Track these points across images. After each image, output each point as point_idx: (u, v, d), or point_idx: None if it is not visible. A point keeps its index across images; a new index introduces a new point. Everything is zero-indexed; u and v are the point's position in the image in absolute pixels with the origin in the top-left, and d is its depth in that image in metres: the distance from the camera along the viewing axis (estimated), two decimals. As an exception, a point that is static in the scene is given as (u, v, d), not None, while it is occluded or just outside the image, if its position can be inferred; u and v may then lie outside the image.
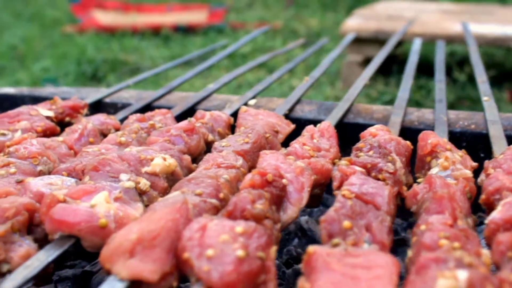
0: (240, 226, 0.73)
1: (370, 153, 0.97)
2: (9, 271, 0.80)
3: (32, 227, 0.86)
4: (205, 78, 3.96)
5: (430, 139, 1.04)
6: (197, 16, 5.66)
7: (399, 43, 4.00)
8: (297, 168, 0.92)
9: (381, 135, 1.05)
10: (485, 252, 0.75)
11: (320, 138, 1.10)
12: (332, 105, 1.40)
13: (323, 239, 0.78)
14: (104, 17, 5.58)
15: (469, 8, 4.21)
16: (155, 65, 4.13)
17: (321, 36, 4.97)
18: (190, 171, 1.04)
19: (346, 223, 0.78)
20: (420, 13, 3.82)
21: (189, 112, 1.37)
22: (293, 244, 1.22)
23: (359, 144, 1.01)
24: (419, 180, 1.00)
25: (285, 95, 3.50)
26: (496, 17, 3.72)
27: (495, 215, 0.81)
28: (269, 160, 0.93)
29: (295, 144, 1.03)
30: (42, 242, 0.87)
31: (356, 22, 3.65)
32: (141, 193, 0.91)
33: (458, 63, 3.70)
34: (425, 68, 3.64)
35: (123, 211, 0.83)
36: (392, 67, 3.73)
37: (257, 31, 2.22)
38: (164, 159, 0.97)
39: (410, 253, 0.77)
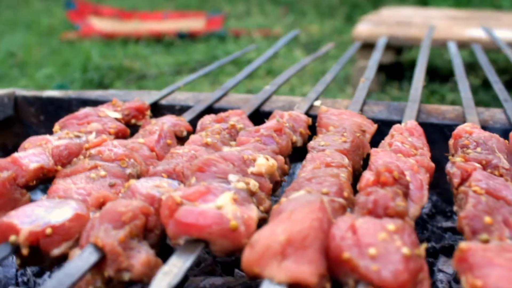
0: (391, 224, 0.70)
1: (478, 150, 0.95)
2: (131, 280, 0.75)
3: (145, 232, 0.82)
4: (212, 84, 3.93)
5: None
6: (194, 24, 5.62)
7: (401, 50, 4.02)
8: (414, 166, 0.89)
9: (478, 133, 1.03)
10: None
11: (411, 137, 1.07)
12: (398, 105, 1.38)
13: (467, 235, 0.75)
14: (101, 24, 5.52)
15: (475, 14, 4.24)
16: (161, 72, 4.09)
17: (321, 43, 4.97)
18: (284, 171, 1.01)
19: (487, 219, 0.75)
20: (428, 19, 3.83)
21: (256, 113, 1.34)
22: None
23: (463, 142, 0.98)
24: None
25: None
26: (504, 22, 3.75)
27: None
28: (384, 158, 0.90)
29: (396, 143, 1.00)
30: (155, 247, 0.82)
31: (367, 28, 3.65)
32: (251, 194, 0.87)
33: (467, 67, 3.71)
34: (432, 73, 3.66)
35: (246, 213, 0.79)
36: (404, 73, 3.74)
37: (285, 37, 2.19)
38: (267, 159, 0.94)
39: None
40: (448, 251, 1.16)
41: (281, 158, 1.00)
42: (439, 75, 3.74)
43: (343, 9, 6.05)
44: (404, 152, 0.96)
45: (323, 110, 1.17)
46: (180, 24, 5.58)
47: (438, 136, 1.26)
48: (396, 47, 3.68)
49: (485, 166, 0.91)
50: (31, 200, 0.96)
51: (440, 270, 1.08)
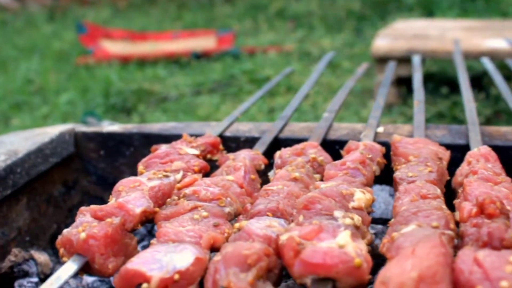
0: (513, 257, 0.74)
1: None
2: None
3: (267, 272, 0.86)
4: (233, 103, 3.99)
5: None
6: (205, 42, 5.69)
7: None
8: (509, 194, 0.94)
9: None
10: None
11: (488, 163, 1.12)
12: (459, 129, 1.43)
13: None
14: (114, 47, 5.58)
15: (487, 24, 4.31)
16: (181, 94, 4.14)
17: (334, 57, 5.04)
18: (372, 202, 1.05)
19: None
20: (445, 31, 3.90)
21: (323, 143, 1.39)
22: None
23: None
24: None
25: (311, 112, 3.57)
26: (519, 31, 3.82)
27: None
28: (480, 188, 0.95)
29: (481, 170, 1.04)
30: (276, 286, 0.87)
31: (386, 42, 3.71)
32: (356, 229, 0.92)
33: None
34: (450, 84, 3.72)
35: (362, 249, 0.84)
36: (426, 85, 3.79)
37: (324, 59, 2.24)
38: (363, 193, 0.98)
39: None
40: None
41: (371, 190, 1.05)
42: (457, 85, 3.79)
43: (350, 22, 6.12)
44: (492, 180, 1.01)
45: (397, 140, 1.22)
46: (190, 43, 5.65)
47: (504, 158, 1.31)
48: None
49: None
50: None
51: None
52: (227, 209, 1.03)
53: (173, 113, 3.68)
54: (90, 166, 1.68)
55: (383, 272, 0.75)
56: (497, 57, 3.31)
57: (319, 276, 0.80)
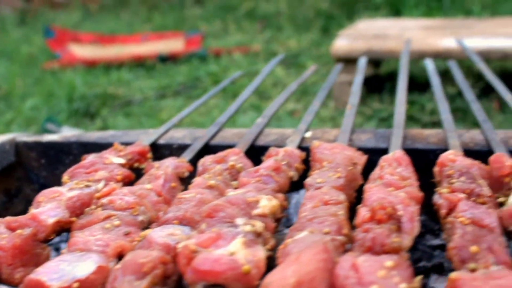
0: (389, 261, 0.78)
1: (462, 179, 1.04)
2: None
3: (164, 279, 0.89)
4: (200, 109, 3.99)
5: (506, 161, 1.11)
6: (174, 44, 5.70)
7: (379, 62, 4.13)
8: (405, 199, 0.98)
9: (461, 161, 1.11)
10: None
11: (399, 167, 1.16)
12: (385, 132, 1.46)
13: (456, 265, 0.83)
14: (82, 51, 5.57)
15: (447, 23, 4.37)
16: (145, 97, 4.15)
17: (300, 57, 5.08)
18: (284, 208, 1.08)
19: (474, 248, 0.83)
20: (404, 31, 3.95)
21: (251, 149, 1.41)
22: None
23: (448, 171, 1.07)
24: (499, 200, 1.07)
25: (287, 120, 3.60)
26: (476, 30, 3.88)
27: None
28: (377, 194, 0.98)
29: (386, 175, 1.08)
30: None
31: (346, 43, 3.76)
32: (257, 235, 0.95)
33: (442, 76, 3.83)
34: (410, 83, 3.76)
35: (256, 256, 0.87)
36: (384, 84, 3.84)
37: (273, 61, 2.27)
38: (269, 200, 1.02)
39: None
40: (439, 269, 1.24)
41: (281, 196, 1.08)
42: (417, 83, 3.85)
43: (318, 22, 6.17)
44: (394, 185, 1.05)
45: (315, 145, 1.26)
46: (159, 45, 5.66)
47: (423, 161, 1.35)
48: (374, 61, 3.79)
49: (469, 195, 0.99)
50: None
51: (433, 288, 1.16)
52: (140, 218, 1.06)
53: (137, 117, 3.69)
54: (32, 175, 1.70)
55: (267, 278, 0.78)
56: (451, 57, 3.36)
57: (209, 283, 0.83)
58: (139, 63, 5.13)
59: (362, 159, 1.24)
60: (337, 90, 3.71)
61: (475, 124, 3.56)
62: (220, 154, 1.28)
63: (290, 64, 4.81)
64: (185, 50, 5.53)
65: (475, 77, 3.93)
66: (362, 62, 2.34)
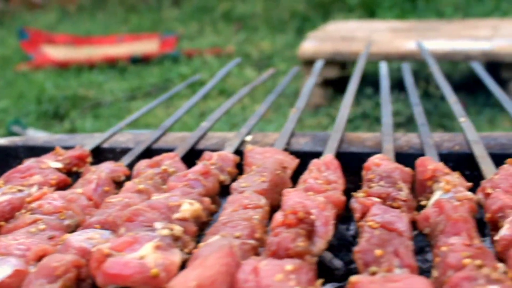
0: (289, 265, 0.80)
1: (381, 183, 1.06)
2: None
3: (78, 282, 0.91)
4: (167, 108, 4.02)
5: (429, 164, 1.14)
6: (148, 46, 5.71)
7: (345, 64, 4.17)
8: (321, 204, 1.00)
9: (385, 165, 1.14)
10: (500, 266, 0.84)
11: (327, 171, 1.18)
12: (324, 136, 1.49)
13: (360, 268, 0.86)
14: (56, 52, 5.56)
15: (415, 25, 4.43)
16: (116, 99, 4.16)
17: (273, 59, 5.11)
18: (211, 212, 1.10)
19: (378, 252, 0.86)
20: (372, 33, 4.00)
21: (191, 153, 1.43)
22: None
23: (369, 176, 1.10)
24: (422, 203, 1.10)
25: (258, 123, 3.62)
26: (442, 33, 3.94)
27: (505, 232, 0.91)
28: (294, 198, 1.01)
29: (309, 180, 1.10)
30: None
31: (313, 45, 3.79)
32: (176, 239, 0.97)
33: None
34: (377, 85, 3.81)
35: (168, 259, 0.89)
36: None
37: (230, 64, 2.30)
38: (191, 204, 1.03)
39: (435, 273, 0.85)
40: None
41: (206, 200, 1.10)
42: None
43: (293, 23, 6.20)
44: (315, 189, 1.07)
45: (248, 149, 1.28)
46: (134, 47, 5.66)
47: (357, 165, 1.37)
48: (341, 63, 3.82)
49: (385, 199, 1.02)
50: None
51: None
52: (66, 222, 1.07)
53: (106, 118, 3.70)
54: (-19, 179, 1.70)
55: (171, 281, 0.80)
56: (415, 59, 3.41)
57: (118, 286, 0.84)
58: (112, 65, 5.13)
59: (293, 163, 1.26)
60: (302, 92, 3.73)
61: (441, 126, 3.61)
62: (156, 158, 1.30)
63: (263, 66, 4.84)
64: (159, 52, 5.53)
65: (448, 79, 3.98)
66: (318, 65, 2.37)
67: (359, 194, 1.02)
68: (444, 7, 5.93)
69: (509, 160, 1.14)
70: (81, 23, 7.47)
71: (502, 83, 3.74)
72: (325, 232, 0.96)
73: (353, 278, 0.79)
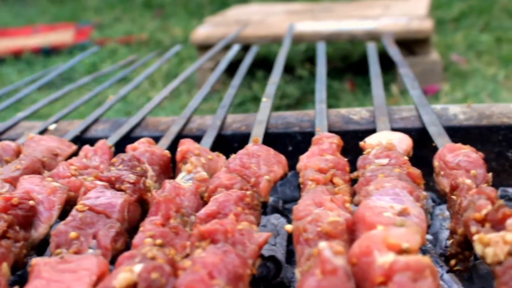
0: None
1: (120, 166, 1.11)
2: None
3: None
4: (71, 98, 3.99)
5: (181, 146, 1.19)
6: (62, 36, 5.64)
7: (247, 47, 4.21)
8: (49, 189, 1.04)
9: (140, 148, 1.19)
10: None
11: (94, 156, 1.23)
12: (126, 121, 1.52)
13: (51, 250, 0.90)
14: (-34, 46, 5.45)
15: (312, 7, 4.50)
16: (16, 89, 4.11)
17: (186, 44, 5.11)
18: None
19: (73, 234, 0.90)
20: (267, 16, 4.04)
21: None
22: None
23: (113, 160, 1.14)
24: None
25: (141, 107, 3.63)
26: (334, 13, 4.01)
27: (202, 211, 0.95)
28: (25, 184, 1.05)
29: (59, 166, 1.15)
30: None
31: (206, 30, 3.82)
32: None
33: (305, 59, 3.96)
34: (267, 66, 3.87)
35: None
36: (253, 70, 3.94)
37: (85, 53, 2.32)
38: None
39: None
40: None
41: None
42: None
43: (211, 8, 6.21)
44: (60, 175, 1.11)
45: (29, 138, 1.31)
46: (49, 37, 5.59)
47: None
48: (245, 46, 3.86)
49: (114, 182, 1.06)
50: None
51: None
52: None
53: (7, 110, 3.65)
54: None
55: None
56: (303, 40, 3.47)
57: None
58: (20, 57, 5.07)
59: (68, 150, 1.30)
60: (199, 77, 3.77)
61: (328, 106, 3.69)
62: None
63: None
64: (73, 41, 5.48)
65: (341, 59, 4.07)
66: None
67: (89, 178, 1.07)
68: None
69: (255, 138, 1.21)
70: (2, 15, 7.33)
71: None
72: (48, 216, 1.00)
73: (33, 260, 0.83)
